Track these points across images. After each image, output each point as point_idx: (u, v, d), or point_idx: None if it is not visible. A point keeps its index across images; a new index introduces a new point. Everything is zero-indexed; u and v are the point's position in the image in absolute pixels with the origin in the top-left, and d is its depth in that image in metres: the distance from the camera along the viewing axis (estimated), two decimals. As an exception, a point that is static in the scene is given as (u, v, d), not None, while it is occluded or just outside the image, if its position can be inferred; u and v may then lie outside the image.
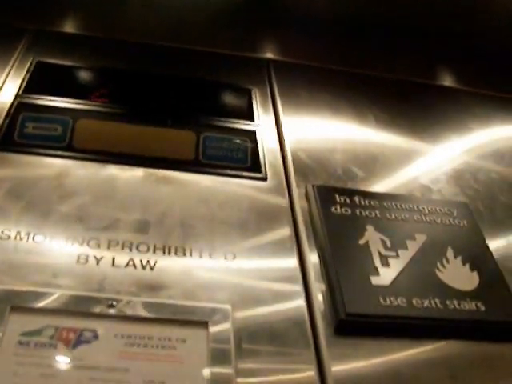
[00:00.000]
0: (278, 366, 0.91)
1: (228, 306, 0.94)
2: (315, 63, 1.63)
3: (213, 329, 0.90)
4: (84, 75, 1.42)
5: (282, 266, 1.05)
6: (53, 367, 0.82)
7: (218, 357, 0.87)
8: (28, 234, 0.99)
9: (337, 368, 0.91)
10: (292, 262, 1.05)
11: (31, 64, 1.38)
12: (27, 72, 1.35)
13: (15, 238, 0.98)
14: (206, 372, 0.85)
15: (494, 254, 1.14)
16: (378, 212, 1.16)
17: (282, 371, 0.90)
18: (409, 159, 1.38)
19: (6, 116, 1.22)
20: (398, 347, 0.96)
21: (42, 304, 0.89)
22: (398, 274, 1.04)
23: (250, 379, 0.87)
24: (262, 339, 0.92)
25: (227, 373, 0.85)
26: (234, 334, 0.90)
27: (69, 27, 1.58)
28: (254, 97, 1.44)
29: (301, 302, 0.99)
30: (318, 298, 1.00)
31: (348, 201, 1.16)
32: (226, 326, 0.91)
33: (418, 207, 1.20)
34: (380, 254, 1.07)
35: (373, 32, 1.66)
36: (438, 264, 1.08)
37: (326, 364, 0.91)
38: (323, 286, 1.02)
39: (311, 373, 0.89)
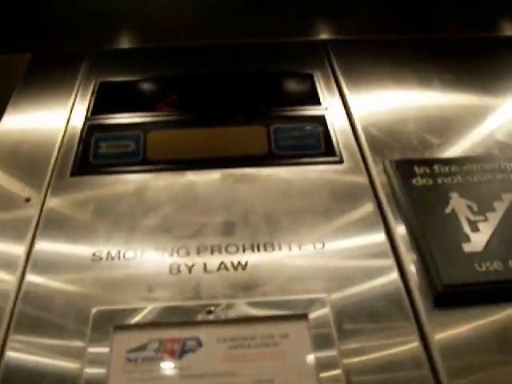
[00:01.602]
0: (381, 342, 0.90)
1: (324, 295, 0.93)
2: (371, 36, 1.60)
3: (312, 318, 0.90)
4: (146, 87, 1.44)
5: (371, 243, 1.04)
6: (163, 379, 0.84)
7: (321, 342, 0.87)
8: (118, 252, 1.01)
9: (440, 336, 0.90)
10: (381, 238, 1.04)
11: (95, 85, 1.40)
12: (92, 94, 1.38)
13: (107, 258, 1.00)
14: (311, 358, 0.85)
15: None
16: (459, 177, 1.12)
17: (385, 346, 0.89)
18: (482, 117, 1.34)
19: (79, 140, 1.24)
20: (500, 311, 0.93)
21: (142, 319, 0.91)
22: (490, 238, 1.01)
23: (355, 359, 0.87)
24: (362, 318, 0.92)
25: (332, 355, 0.86)
26: (334, 317, 0.90)
27: (123, 43, 1.60)
28: (316, 80, 1.42)
29: (395, 276, 0.98)
30: (412, 270, 0.98)
31: (428, 171, 1.13)
32: (325, 313, 0.91)
33: (499, 166, 1.16)
34: (468, 219, 1.04)
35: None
36: (530, 221, 1.04)
37: (429, 333, 0.90)
38: (415, 258, 1.00)
39: (415, 344, 0.89)
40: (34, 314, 0.93)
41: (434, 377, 0.85)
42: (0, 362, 0.87)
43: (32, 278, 0.98)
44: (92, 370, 0.85)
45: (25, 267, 0.99)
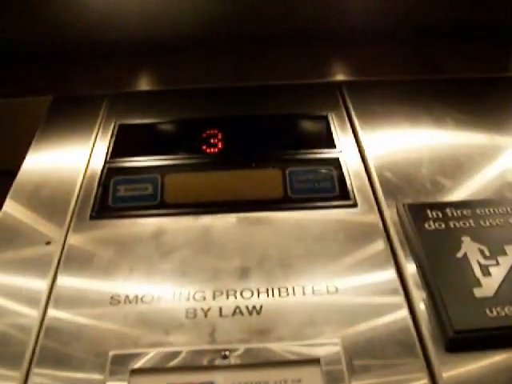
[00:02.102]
0: (391, 379, 0.91)
1: (337, 340, 0.95)
2: (386, 77, 1.62)
3: (324, 359, 0.91)
4: (164, 130, 1.46)
5: (383, 289, 1.05)
6: (178, 424, 0.85)
7: (332, 381, 0.89)
8: (136, 297, 1.03)
9: (449, 374, 0.91)
10: (394, 286, 1.05)
11: (114, 127, 1.43)
12: (111, 136, 1.41)
13: (124, 301, 1.02)
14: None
15: None
16: (471, 221, 1.13)
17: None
18: (495, 159, 1.34)
19: (99, 183, 1.27)
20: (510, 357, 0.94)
21: (159, 364, 0.92)
22: (501, 283, 1.02)
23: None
24: (372, 356, 0.93)
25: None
26: (345, 356, 0.92)
27: (142, 85, 1.63)
28: (331, 122, 1.44)
29: (407, 323, 0.99)
30: (424, 315, 1.00)
31: (440, 215, 1.15)
32: (336, 355, 0.92)
33: (511, 209, 1.17)
34: (480, 264, 1.05)
35: (435, 35, 1.65)
36: (541, 265, 1.05)
37: (438, 373, 0.91)
38: (426, 301, 1.01)
39: (425, 381, 0.90)
40: (55, 349, 0.96)
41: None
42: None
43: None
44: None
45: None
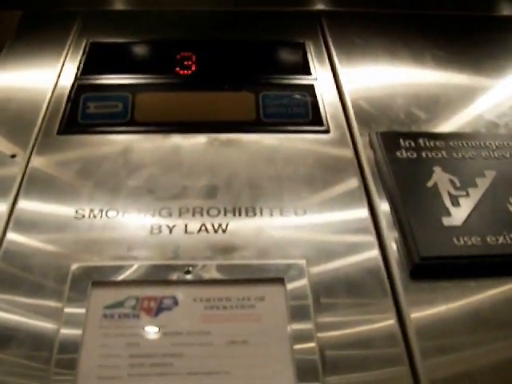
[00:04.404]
0: (358, 318, 0.90)
1: (303, 261, 0.94)
2: (367, 9, 1.59)
3: (290, 285, 0.91)
4: (137, 50, 1.43)
5: (353, 218, 1.04)
6: (138, 336, 0.85)
7: (297, 313, 0.88)
8: (101, 211, 1.02)
9: (416, 314, 0.90)
10: (363, 213, 1.04)
11: (86, 45, 1.40)
12: (83, 54, 1.37)
13: (89, 216, 1.01)
14: (286, 326, 0.86)
15: None
16: (444, 152, 1.13)
17: (361, 322, 0.90)
18: (472, 96, 1.34)
19: (68, 99, 1.24)
20: (476, 287, 0.94)
21: (121, 277, 0.91)
22: (470, 213, 1.02)
23: (330, 333, 0.87)
24: (340, 292, 0.92)
25: (307, 328, 0.86)
26: (311, 288, 0.91)
27: (117, 4, 1.59)
28: (308, 50, 1.42)
29: (375, 252, 0.98)
30: (392, 246, 0.99)
31: (413, 144, 1.14)
32: (302, 282, 0.91)
33: (484, 143, 1.16)
34: (450, 194, 1.04)
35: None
36: (511, 199, 1.05)
37: (405, 311, 0.90)
38: (396, 234, 1.00)
39: (391, 321, 0.89)
40: (12, 273, 0.93)
41: (408, 355, 0.85)
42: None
43: (13, 236, 0.98)
44: (68, 327, 0.85)
45: (6, 225, 0.99)
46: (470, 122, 1.26)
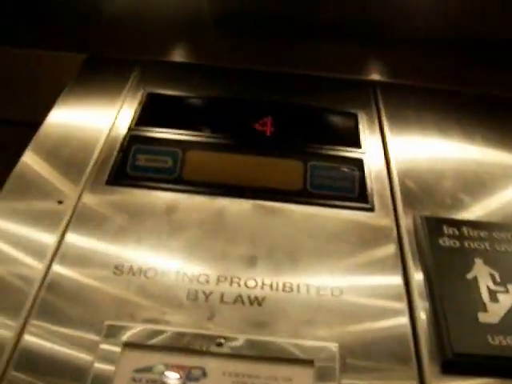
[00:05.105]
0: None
1: (335, 345, 0.93)
2: (422, 83, 1.59)
3: (319, 369, 0.90)
4: (193, 105, 1.45)
5: (391, 305, 1.03)
6: (164, 404, 0.85)
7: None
8: (140, 270, 1.02)
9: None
10: (398, 291, 1.04)
11: (142, 95, 1.42)
12: (139, 104, 1.40)
13: (128, 272, 1.02)
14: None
15: None
16: (487, 244, 1.11)
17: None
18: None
19: (120, 149, 1.27)
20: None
21: (153, 341, 0.92)
22: (508, 311, 1.00)
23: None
24: (366, 362, 0.93)
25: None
26: (340, 366, 0.91)
27: (177, 57, 1.62)
28: (360, 121, 1.42)
29: (407, 330, 0.98)
30: (424, 325, 0.99)
31: (456, 232, 1.13)
32: (332, 366, 0.91)
33: (529, 237, 1.14)
34: (489, 288, 1.03)
35: (478, 48, 1.62)
36: (552, 301, 1.03)
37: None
38: (429, 316, 1.00)
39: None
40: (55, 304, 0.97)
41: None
42: (17, 344, 0.90)
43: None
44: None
45: (41, 284, 1.01)
46: (515, 210, 1.24)
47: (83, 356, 0.90)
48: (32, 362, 0.89)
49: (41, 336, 0.92)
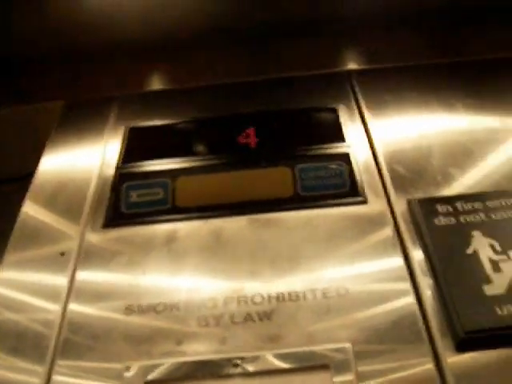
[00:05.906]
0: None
1: (349, 345, 0.95)
2: (395, 63, 1.59)
3: (336, 372, 0.92)
4: (175, 131, 1.46)
5: (396, 288, 1.05)
6: None
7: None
8: (149, 306, 1.05)
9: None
10: (407, 290, 1.04)
11: (125, 131, 1.44)
12: (123, 140, 1.42)
13: (138, 311, 1.05)
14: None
15: None
16: (482, 215, 1.12)
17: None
18: (506, 144, 1.32)
19: (112, 188, 1.29)
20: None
21: (171, 374, 0.94)
22: (512, 278, 1.01)
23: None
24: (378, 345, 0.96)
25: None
26: (355, 367, 0.93)
27: (153, 85, 1.64)
28: (340, 115, 1.43)
29: (418, 319, 0.99)
30: (430, 301, 1.01)
31: (450, 209, 1.14)
32: (348, 367, 0.93)
33: (524, 199, 1.15)
34: (490, 259, 1.04)
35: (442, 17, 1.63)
36: (557, 259, 1.03)
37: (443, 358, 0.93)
38: (434, 295, 1.02)
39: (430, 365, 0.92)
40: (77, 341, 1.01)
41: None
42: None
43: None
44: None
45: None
46: (506, 175, 1.24)
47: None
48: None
49: (68, 374, 0.96)
